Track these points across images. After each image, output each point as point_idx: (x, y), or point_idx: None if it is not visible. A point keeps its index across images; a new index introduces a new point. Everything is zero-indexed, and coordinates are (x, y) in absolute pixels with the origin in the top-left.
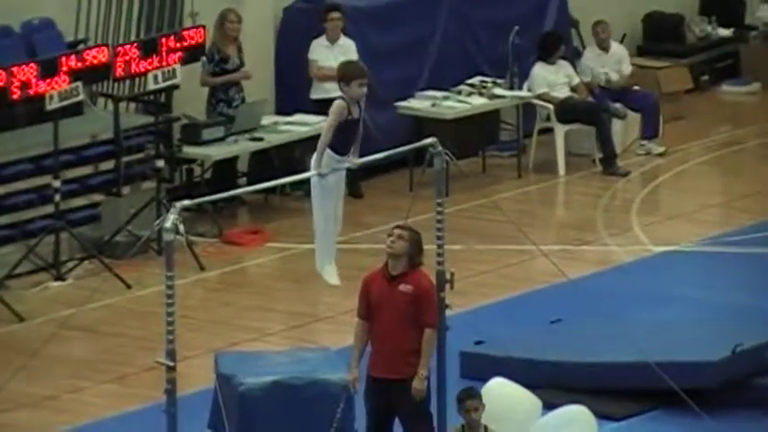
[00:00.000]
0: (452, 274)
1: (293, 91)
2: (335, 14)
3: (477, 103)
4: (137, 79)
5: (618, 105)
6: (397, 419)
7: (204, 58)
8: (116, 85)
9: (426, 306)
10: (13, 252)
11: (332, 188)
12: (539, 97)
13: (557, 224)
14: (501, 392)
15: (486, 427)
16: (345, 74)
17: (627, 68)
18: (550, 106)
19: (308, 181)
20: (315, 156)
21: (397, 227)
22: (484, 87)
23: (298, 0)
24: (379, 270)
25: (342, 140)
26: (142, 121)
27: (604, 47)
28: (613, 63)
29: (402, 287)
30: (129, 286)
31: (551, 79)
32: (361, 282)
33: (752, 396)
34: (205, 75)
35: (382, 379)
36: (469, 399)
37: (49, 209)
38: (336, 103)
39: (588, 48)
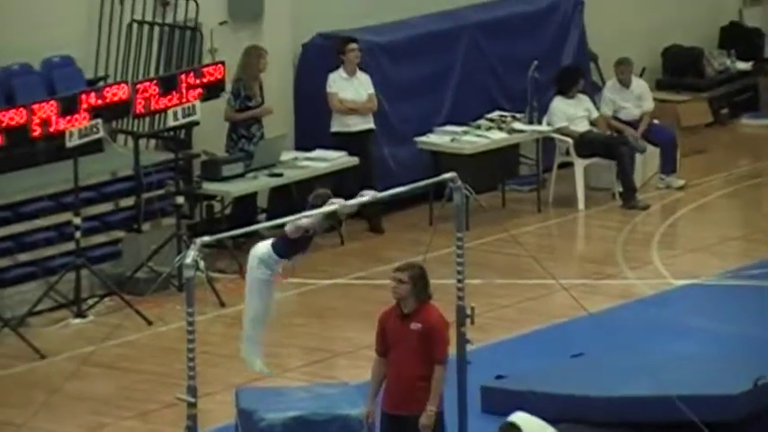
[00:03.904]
0: (473, 309)
1: (313, 126)
2: (353, 46)
3: (497, 137)
4: (156, 116)
5: (638, 137)
6: None
7: (230, 95)
8: (136, 121)
9: (435, 342)
10: (33, 289)
11: (267, 285)
12: (558, 131)
13: (577, 258)
14: (522, 427)
15: None
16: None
17: (649, 105)
18: (570, 140)
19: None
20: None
21: (397, 269)
22: (503, 122)
23: (316, 35)
24: (392, 308)
25: (289, 248)
26: (162, 157)
27: (625, 83)
28: (634, 98)
29: (413, 325)
30: (149, 323)
31: (570, 113)
32: (378, 320)
33: None
34: (230, 111)
35: (395, 415)
36: (511, 430)
37: (70, 246)
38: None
39: (609, 82)
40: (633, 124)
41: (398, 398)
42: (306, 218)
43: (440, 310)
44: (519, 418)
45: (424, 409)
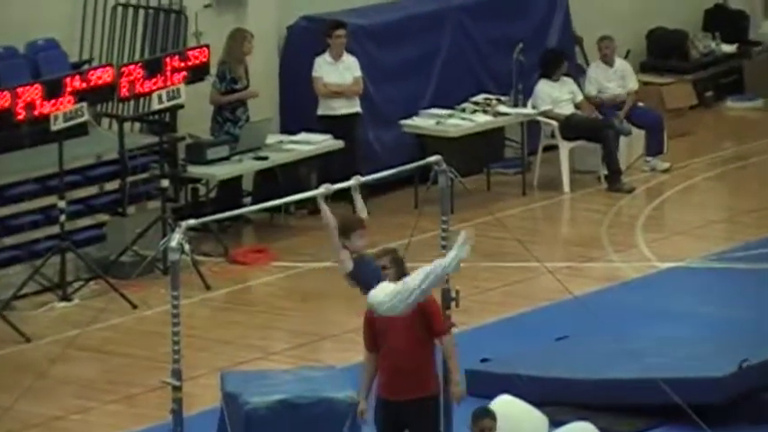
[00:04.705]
0: (458, 292)
1: (298, 109)
2: (341, 32)
3: (482, 120)
4: (141, 99)
5: (624, 121)
6: None
7: (215, 78)
8: (121, 105)
9: (432, 316)
10: (18, 273)
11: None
12: (543, 114)
13: (562, 241)
14: (507, 410)
15: None
16: (345, 227)
17: (633, 84)
18: (555, 123)
19: (312, 200)
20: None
21: (376, 257)
22: (488, 105)
23: (301, 18)
24: None
25: (365, 274)
26: (147, 140)
27: (608, 62)
28: (618, 78)
29: None
30: (134, 306)
31: (555, 96)
32: (364, 316)
33: (759, 412)
34: (216, 94)
35: (395, 401)
36: (486, 418)
37: (55, 229)
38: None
39: (593, 63)
40: (616, 105)
41: (401, 383)
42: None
43: None
44: (503, 401)
45: (427, 390)
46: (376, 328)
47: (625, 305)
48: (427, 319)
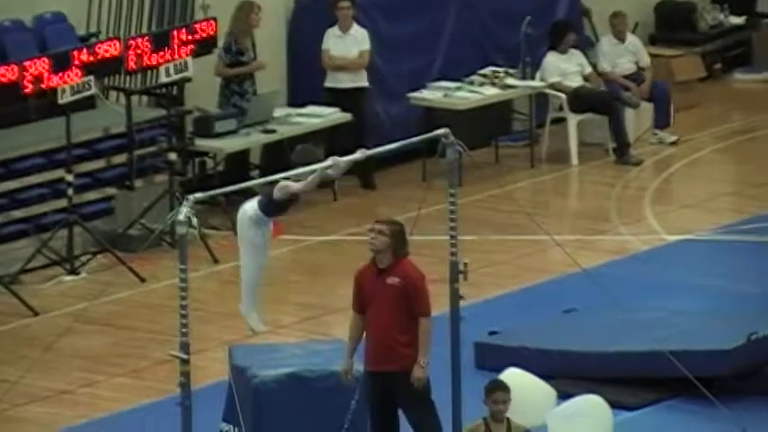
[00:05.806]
0: (466, 265)
1: (306, 82)
2: (345, 3)
3: (490, 93)
4: (149, 72)
5: (630, 94)
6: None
7: (221, 50)
8: (128, 78)
9: (416, 296)
10: (26, 246)
11: (262, 246)
12: (551, 87)
13: (570, 214)
14: (515, 383)
15: (509, 420)
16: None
17: (646, 60)
18: (563, 96)
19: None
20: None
21: (377, 222)
22: (496, 77)
23: None
24: (368, 265)
25: (274, 207)
26: (154, 114)
27: (621, 38)
28: (629, 53)
29: (390, 279)
30: (142, 280)
31: (563, 68)
32: (354, 278)
33: (766, 384)
34: (221, 66)
35: (380, 372)
36: (499, 390)
37: (62, 203)
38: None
39: (604, 37)
40: (629, 78)
41: (381, 355)
42: (298, 181)
43: (414, 264)
44: (511, 374)
45: (411, 362)
46: (363, 293)
47: (633, 278)
48: (410, 298)
